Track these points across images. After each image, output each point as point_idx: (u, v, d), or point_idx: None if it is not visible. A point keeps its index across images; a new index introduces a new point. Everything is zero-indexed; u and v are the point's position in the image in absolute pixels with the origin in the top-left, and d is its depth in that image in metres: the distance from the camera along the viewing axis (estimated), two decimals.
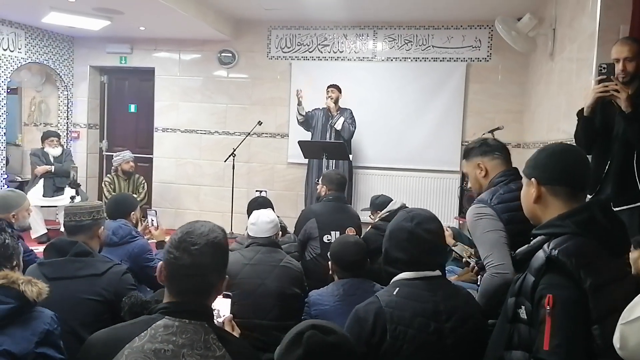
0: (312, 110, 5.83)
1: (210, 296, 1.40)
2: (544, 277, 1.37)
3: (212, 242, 1.36)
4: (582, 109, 2.74)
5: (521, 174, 1.70)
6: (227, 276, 1.43)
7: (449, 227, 3.35)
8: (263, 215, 2.83)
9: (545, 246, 1.40)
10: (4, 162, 6.26)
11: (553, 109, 4.42)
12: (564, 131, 3.94)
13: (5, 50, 6.10)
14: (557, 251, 1.35)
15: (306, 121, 5.77)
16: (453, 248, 3.21)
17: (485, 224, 1.97)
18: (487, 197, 2.04)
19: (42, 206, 5.86)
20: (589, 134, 2.76)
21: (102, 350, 1.28)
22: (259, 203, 3.56)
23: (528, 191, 1.55)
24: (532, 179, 1.53)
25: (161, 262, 1.38)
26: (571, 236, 1.39)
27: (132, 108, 7.25)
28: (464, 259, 2.78)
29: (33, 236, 5.64)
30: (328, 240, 3.49)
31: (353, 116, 5.71)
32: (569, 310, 1.30)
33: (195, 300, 1.36)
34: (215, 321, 1.44)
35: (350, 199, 5.81)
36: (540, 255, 1.39)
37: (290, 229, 3.95)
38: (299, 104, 5.70)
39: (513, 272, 1.83)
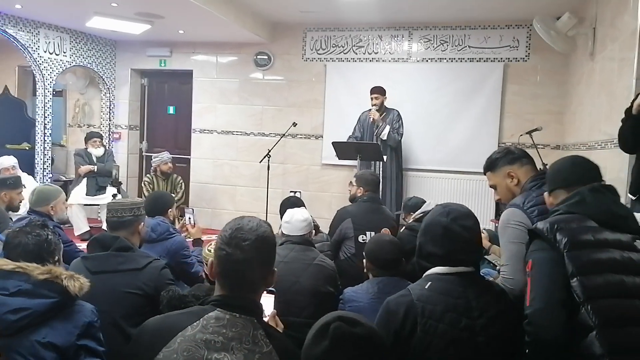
0: (362, 113, 5.81)
1: (260, 290, 1.44)
2: (529, 247, 1.61)
3: (261, 236, 1.39)
4: (630, 107, 2.66)
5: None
6: (275, 269, 1.46)
7: (484, 229, 3.32)
8: (297, 214, 2.86)
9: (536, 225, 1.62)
10: (50, 161, 6.50)
11: (594, 110, 4.32)
12: (606, 132, 3.84)
13: (51, 54, 6.34)
14: (537, 223, 1.59)
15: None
16: (486, 257, 3.17)
17: (510, 234, 1.96)
18: (520, 201, 2.02)
19: (85, 204, 6.06)
20: (636, 133, 2.68)
21: (156, 336, 1.33)
22: (292, 202, 3.59)
23: (549, 202, 1.84)
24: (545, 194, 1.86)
25: (211, 259, 1.42)
26: (560, 213, 1.63)
27: (171, 110, 7.42)
28: (497, 268, 2.74)
29: (76, 233, 5.85)
30: (363, 240, 3.49)
31: (400, 119, 5.65)
32: (543, 268, 1.51)
33: (246, 294, 1.39)
34: None
35: (401, 200, 5.71)
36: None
37: (324, 229, 3.97)
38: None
39: (520, 287, 1.85)
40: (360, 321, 1.17)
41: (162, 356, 1.29)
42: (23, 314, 1.65)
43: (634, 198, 2.84)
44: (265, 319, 1.61)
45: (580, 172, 1.78)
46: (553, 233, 1.52)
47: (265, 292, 1.73)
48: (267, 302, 1.76)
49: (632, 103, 2.68)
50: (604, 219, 1.57)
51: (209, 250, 2.34)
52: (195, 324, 1.34)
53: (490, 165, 2.21)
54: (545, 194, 1.85)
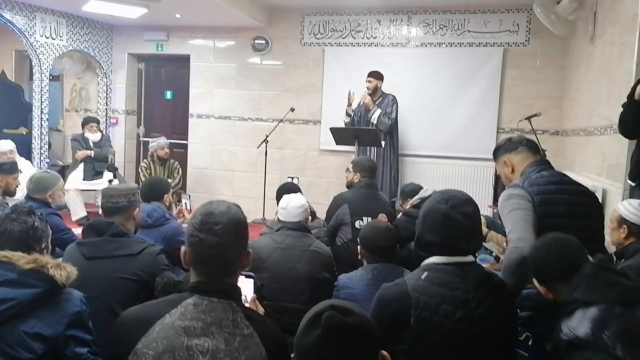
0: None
1: (236, 272, 1.44)
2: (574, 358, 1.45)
3: (232, 218, 1.39)
4: (632, 92, 2.64)
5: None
6: (250, 250, 1.45)
7: (482, 215, 3.31)
8: (293, 200, 2.85)
9: (562, 327, 1.50)
10: (47, 146, 6.48)
11: (593, 95, 4.29)
12: (605, 117, 3.82)
13: (47, 38, 6.28)
14: (574, 333, 1.45)
15: (352, 120, 5.71)
16: (484, 244, 3.18)
17: (512, 203, 1.97)
18: (519, 182, 2.06)
19: (82, 189, 6.05)
20: (637, 119, 2.67)
21: (134, 326, 1.33)
22: (288, 188, 3.58)
23: (544, 292, 1.71)
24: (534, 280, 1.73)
25: (184, 247, 1.41)
26: (583, 310, 1.48)
27: (168, 95, 7.37)
28: (494, 254, 2.75)
29: (74, 218, 5.84)
30: (360, 226, 3.48)
31: (395, 103, 5.56)
32: None
33: (222, 279, 1.39)
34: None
35: (397, 186, 5.67)
36: (563, 339, 1.48)
37: (321, 215, 3.97)
38: (349, 105, 5.63)
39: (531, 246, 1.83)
40: (353, 310, 1.16)
41: (141, 345, 1.29)
42: (9, 304, 1.63)
43: (633, 184, 2.84)
44: (246, 304, 1.61)
45: (569, 259, 1.64)
46: (600, 337, 1.41)
47: (244, 276, 1.73)
48: (247, 286, 1.76)
49: (633, 88, 2.66)
50: (624, 299, 1.48)
51: None
52: (173, 311, 1.33)
53: (493, 155, 2.31)
54: (535, 282, 1.72)
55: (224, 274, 1.39)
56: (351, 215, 3.57)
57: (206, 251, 1.36)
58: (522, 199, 1.96)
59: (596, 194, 3.34)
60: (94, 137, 6.22)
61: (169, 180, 5.67)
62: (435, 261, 1.64)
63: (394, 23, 6.18)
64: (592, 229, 1.99)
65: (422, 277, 1.60)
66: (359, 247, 2.59)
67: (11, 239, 1.84)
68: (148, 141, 6.58)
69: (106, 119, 7.20)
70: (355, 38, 6.31)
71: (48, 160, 6.52)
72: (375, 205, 3.64)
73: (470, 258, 1.66)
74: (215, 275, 1.38)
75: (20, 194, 4.05)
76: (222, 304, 1.35)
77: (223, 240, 1.35)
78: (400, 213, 3.69)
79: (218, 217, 1.37)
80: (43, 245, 1.92)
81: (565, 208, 1.97)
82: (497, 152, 2.27)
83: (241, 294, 1.46)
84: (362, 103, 5.61)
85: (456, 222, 1.62)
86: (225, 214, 1.38)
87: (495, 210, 5.53)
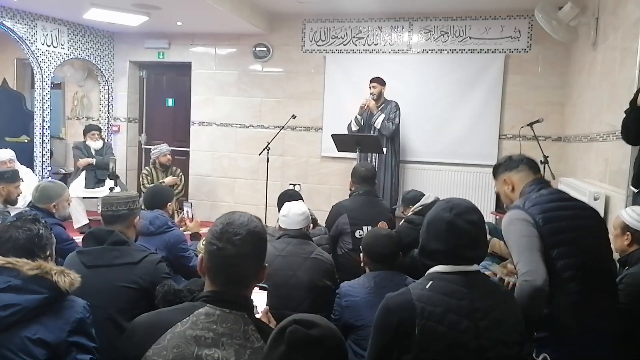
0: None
1: (251, 285, 1.43)
2: None
3: (252, 231, 1.38)
4: (634, 98, 2.63)
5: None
6: (266, 264, 1.44)
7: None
8: (294, 208, 2.84)
9: None
10: (49, 154, 6.48)
11: (595, 101, 4.27)
12: (607, 123, 3.81)
13: (49, 46, 6.30)
14: None
15: (360, 129, 5.72)
16: (489, 267, 3.15)
17: (516, 230, 1.93)
18: (520, 203, 2.03)
19: (84, 197, 6.05)
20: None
21: (145, 333, 1.33)
22: (289, 195, 3.57)
23: None
24: None
25: (201, 255, 1.41)
26: None
27: (170, 102, 7.38)
28: (497, 276, 2.71)
29: (75, 226, 5.83)
30: (360, 235, 3.46)
31: (398, 110, 5.59)
32: None
33: (236, 290, 1.38)
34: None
35: (397, 192, 5.67)
36: None
37: (323, 222, 3.95)
38: (360, 114, 5.64)
39: (543, 278, 1.79)
40: (316, 322, 1.14)
41: (151, 353, 1.29)
42: (13, 310, 1.63)
43: (636, 191, 2.82)
44: (258, 316, 1.60)
45: None
46: None
47: (257, 288, 1.72)
48: (260, 298, 1.74)
49: (635, 94, 2.65)
50: None
51: (203, 245, 2.32)
52: (185, 320, 1.33)
53: (493, 173, 2.30)
54: None
55: (238, 285, 1.39)
56: (351, 225, 3.55)
57: (223, 260, 1.36)
58: (525, 224, 1.92)
59: (599, 200, 3.33)
60: (95, 145, 6.23)
61: (170, 188, 5.65)
62: (440, 270, 1.61)
63: (395, 30, 6.18)
64: (595, 237, 1.97)
65: (427, 286, 1.57)
66: (361, 254, 2.58)
67: (15, 246, 1.84)
68: (150, 149, 6.58)
69: (108, 127, 7.21)
70: (356, 45, 6.31)
71: (50, 169, 6.52)
72: (374, 213, 3.62)
73: (475, 267, 1.63)
74: (229, 286, 1.38)
75: (22, 202, 4.05)
76: (234, 315, 1.35)
77: (241, 251, 1.35)
78: (402, 220, 3.67)
79: (238, 228, 1.37)
80: (47, 253, 1.93)
81: (568, 223, 1.95)
82: (497, 170, 2.25)
83: (254, 306, 1.45)
84: (365, 107, 5.62)
85: (461, 230, 1.60)
86: (246, 226, 1.38)
87: (497, 217, 5.52)
